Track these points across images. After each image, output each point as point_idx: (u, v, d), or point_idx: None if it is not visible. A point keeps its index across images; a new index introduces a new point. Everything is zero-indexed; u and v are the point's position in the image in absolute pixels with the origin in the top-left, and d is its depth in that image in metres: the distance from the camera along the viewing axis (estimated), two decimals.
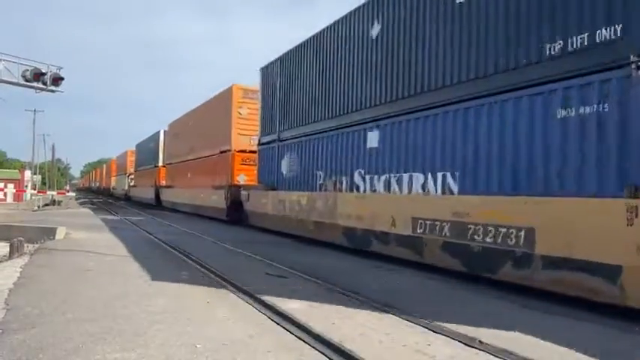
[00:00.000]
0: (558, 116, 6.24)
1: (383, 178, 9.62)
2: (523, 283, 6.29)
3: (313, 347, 4.11)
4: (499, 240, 6.56)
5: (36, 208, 27.66)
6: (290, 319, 4.89)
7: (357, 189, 10.41)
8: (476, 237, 6.93)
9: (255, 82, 18.26)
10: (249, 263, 9.07)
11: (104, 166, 71.43)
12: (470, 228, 7.04)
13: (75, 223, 15.80)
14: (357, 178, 10.47)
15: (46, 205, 31.10)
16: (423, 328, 4.73)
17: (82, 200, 43.99)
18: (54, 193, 37.06)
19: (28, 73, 16.06)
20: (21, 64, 16.23)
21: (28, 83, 16.21)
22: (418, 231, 8.11)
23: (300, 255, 10.22)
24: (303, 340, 4.28)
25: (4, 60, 15.87)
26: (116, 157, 57.31)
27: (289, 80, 14.24)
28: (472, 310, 5.71)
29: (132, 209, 28.39)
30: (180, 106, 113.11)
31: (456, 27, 8.06)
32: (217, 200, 18.90)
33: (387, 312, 5.34)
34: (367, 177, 10.12)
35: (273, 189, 14.46)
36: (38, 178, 53.81)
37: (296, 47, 13.89)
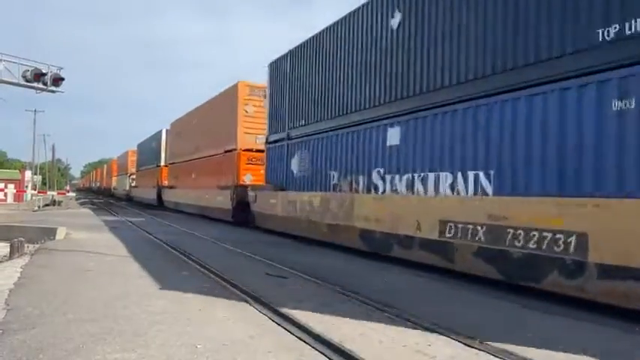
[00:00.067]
0: (614, 108, 5.60)
1: (405, 177, 8.95)
2: (573, 294, 5.71)
3: (313, 347, 4.11)
4: (544, 246, 5.93)
5: (36, 208, 27.62)
6: (290, 320, 4.89)
7: (376, 189, 9.76)
8: (516, 242, 6.30)
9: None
10: (250, 263, 9.06)
11: (105, 166, 71.38)
12: (509, 232, 6.41)
13: (75, 224, 15.78)
14: (375, 178, 9.84)
15: (47, 205, 31.06)
16: (424, 328, 4.72)
17: (83, 201, 43.93)
18: (54, 193, 36.98)
19: (28, 74, 16.07)
20: (21, 64, 16.26)
21: (28, 83, 16.21)
22: (447, 235, 7.47)
23: (301, 255, 10.21)
24: (304, 341, 4.28)
25: (4, 60, 15.87)
26: (117, 157, 57.00)
27: (301, 75, 13.51)
28: (472, 310, 5.71)
29: (134, 210, 27.96)
30: (180, 106, 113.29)
31: (490, 11, 7.35)
32: (222, 201, 18.37)
33: (388, 312, 5.34)
34: (387, 176, 9.46)
35: (282, 189, 13.83)
36: (38, 178, 53.77)
37: (309, 40, 13.11)
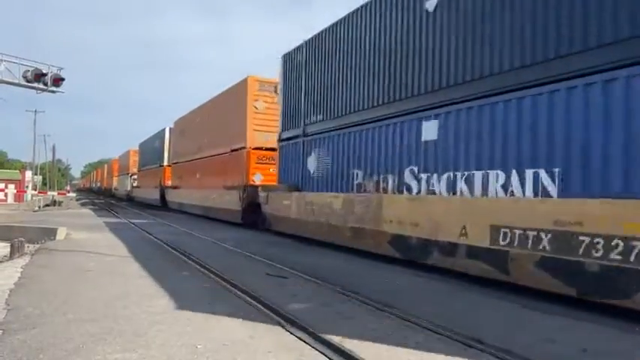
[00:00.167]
0: None
1: (445, 176, 8.01)
2: None
3: (313, 347, 4.11)
4: (632, 258, 5.03)
5: (36, 208, 27.62)
6: (290, 320, 4.89)
7: (408, 190, 8.83)
8: (593, 252, 5.40)
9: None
10: (250, 263, 9.07)
11: (105, 166, 71.15)
12: (582, 241, 5.50)
13: (76, 224, 15.78)
14: (407, 177, 8.89)
15: (47, 205, 31.06)
16: (424, 329, 4.72)
17: (83, 201, 43.81)
18: (54, 193, 37.01)
19: (28, 74, 16.08)
20: (22, 64, 16.29)
21: (28, 84, 16.22)
22: (501, 242, 6.52)
23: (301, 255, 10.21)
24: (304, 341, 4.29)
25: (4, 61, 15.88)
26: (118, 157, 56.32)
27: (319, 67, 12.42)
28: (472, 310, 5.72)
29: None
30: (180, 106, 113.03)
31: None
32: (231, 202, 17.42)
33: (388, 312, 5.34)
34: (422, 175, 8.52)
35: (297, 190, 12.87)
36: (39, 178, 53.75)
37: (328, 28, 12.05)
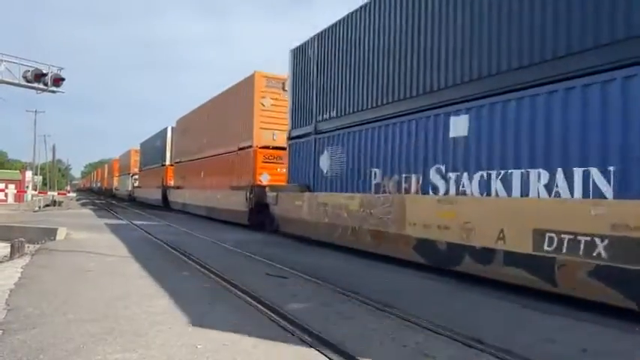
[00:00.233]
0: None
1: (477, 176, 7.39)
2: None
3: (313, 347, 4.11)
4: None
5: (37, 208, 27.61)
6: (290, 319, 4.89)
7: (435, 190, 8.20)
8: None
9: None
10: (250, 263, 9.07)
11: (106, 166, 71.04)
12: None
13: (76, 224, 15.77)
14: (433, 177, 8.26)
15: (47, 205, 31.08)
16: (424, 329, 4.73)
17: (84, 201, 43.82)
18: (55, 193, 37.03)
19: (29, 74, 16.06)
20: (22, 64, 16.26)
21: (29, 84, 16.20)
22: (546, 248, 5.88)
23: (301, 255, 10.21)
24: (304, 341, 4.29)
25: (5, 61, 15.87)
26: (119, 157, 55.97)
27: (332, 61, 11.78)
28: (472, 310, 5.73)
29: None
30: (180, 106, 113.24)
31: None
32: (237, 202, 16.75)
33: (388, 312, 5.34)
34: (451, 175, 7.89)
35: (309, 190, 12.28)
36: (39, 178, 53.74)
37: (343, 19, 11.38)
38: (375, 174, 9.86)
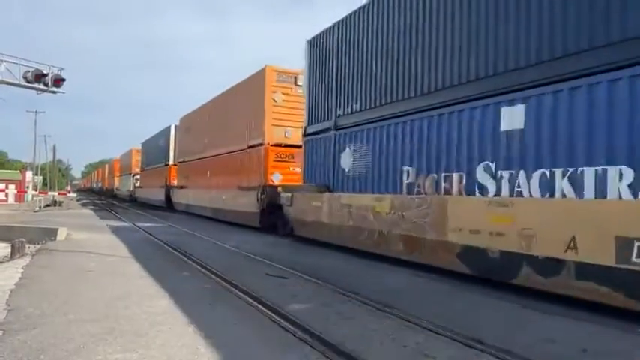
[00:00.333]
0: None
1: (537, 174, 6.48)
2: None
3: (314, 347, 4.12)
4: None
5: (37, 209, 27.60)
6: (291, 320, 4.90)
7: (482, 190, 7.30)
8: None
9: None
10: (249, 263, 9.08)
11: (106, 166, 70.98)
12: None
13: (76, 224, 15.79)
14: (481, 176, 7.35)
15: (47, 206, 31.09)
16: (424, 329, 4.73)
17: (84, 202, 43.86)
18: (55, 194, 37.01)
19: (29, 74, 16.07)
20: (22, 65, 16.28)
21: (29, 84, 16.21)
22: (634, 260, 5.02)
23: (301, 255, 10.19)
24: (304, 341, 4.29)
25: (5, 61, 15.90)
26: (120, 157, 55.61)
27: (355, 49, 10.88)
28: (473, 310, 5.74)
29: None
30: (180, 106, 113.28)
31: None
32: (247, 203, 15.93)
33: (388, 312, 5.34)
34: (503, 173, 6.99)
35: (329, 190, 11.42)
36: (39, 179, 53.78)
37: (369, 4, 10.44)
38: (408, 173, 8.92)
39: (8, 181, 36.66)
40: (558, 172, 6.25)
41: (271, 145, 15.51)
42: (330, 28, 12.06)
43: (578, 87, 6.10)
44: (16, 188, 35.73)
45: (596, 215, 5.57)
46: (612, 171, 5.65)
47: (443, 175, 8.12)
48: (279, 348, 4.13)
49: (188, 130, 26.10)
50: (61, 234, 12.30)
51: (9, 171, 48.00)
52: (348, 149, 10.90)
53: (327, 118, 11.93)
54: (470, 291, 6.73)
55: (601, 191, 5.75)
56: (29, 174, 41.68)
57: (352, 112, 10.92)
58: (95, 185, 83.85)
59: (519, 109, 6.84)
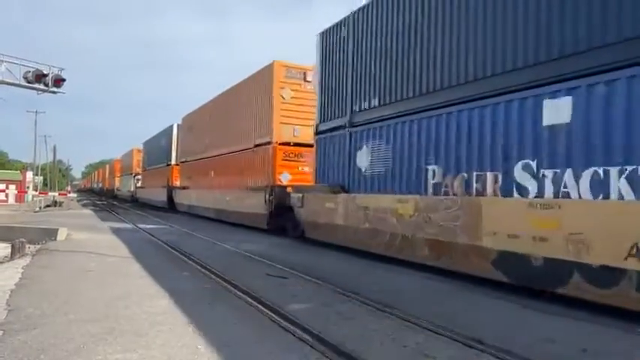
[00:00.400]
0: None
1: (587, 173, 5.86)
2: None
3: (314, 348, 4.11)
4: None
5: (37, 209, 27.62)
6: (291, 320, 4.89)
7: (522, 191, 6.65)
8: None
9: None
10: (250, 263, 9.07)
11: (107, 166, 70.90)
12: None
13: (76, 225, 15.79)
14: (519, 175, 6.72)
15: (48, 206, 31.11)
16: (424, 329, 4.73)
17: (85, 202, 43.88)
18: (55, 194, 37.01)
19: (29, 75, 16.05)
20: (22, 65, 16.24)
21: (29, 85, 16.19)
22: None
23: (301, 255, 10.20)
24: (304, 341, 4.29)
25: (5, 61, 15.89)
26: (121, 157, 55.24)
27: (374, 41, 10.19)
28: (473, 310, 5.73)
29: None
30: (181, 106, 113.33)
31: None
32: (254, 204, 15.37)
33: (388, 312, 5.34)
34: (546, 172, 6.34)
35: (344, 190, 10.85)
36: (40, 179, 53.81)
37: None
38: (434, 172, 8.29)
39: (8, 182, 36.71)
40: (614, 170, 5.61)
41: (279, 144, 14.99)
42: (345, 18, 11.39)
43: (633, 77, 5.50)
44: (17, 188, 35.76)
45: None
46: None
47: (475, 174, 7.47)
48: (279, 348, 4.13)
49: (191, 129, 25.56)
50: (62, 234, 12.30)
51: (9, 171, 48.07)
52: (365, 147, 10.31)
53: (342, 115, 11.34)
54: (470, 291, 6.73)
55: None
56: (29, 174, 41.72)
57: (370, 108, 10.25)
58: (95, 185, 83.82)
59: (565, 101, 6.19)
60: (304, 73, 14.89)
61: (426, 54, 8.67)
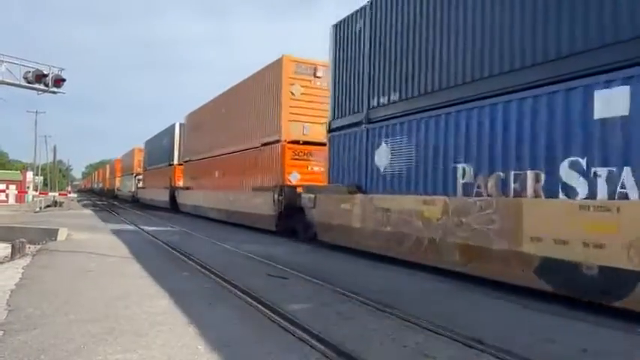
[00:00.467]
0: None
1: None
2: None
3: (314, 348, 4.12)
4: None
5: (37, 209, 27.63)
6: (291, 320, 4.90)
7: (569, 192, 5.99)
8: None
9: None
10: (250, 263, 9.07)
11: (107, 166, 70.86)
12: None
13: (77, 225, 15.81)
14: (566, 174, 6.04)
15: (48, 206, 31.13)
16: (424, 329, 4.73)
17: (85, 202, 43.91)
18: (55, 194, 37.03)
19: (29, 75, 16.03)
20: (22, 65, 16.21)
21: (29, 85, 16.17)
22: None
23: (301, 256, 10.21)
24: (304, 341, 4.29)
25: (5, 62, 15.89)
26: (121, 157, 55.00)
27: (393, 31, 9.53)
28: (473, 311, 5.73)
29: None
30: (181, 106, 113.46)
31: None
32: (261, 205, 14.79)
33: (388, 312, 5.34)
34: (599, 170, 5.68)
35: (361, 191, 10.18)
36: (40, 179, 53.85)
37: None
38: (463, 171, 7.63)
39: (9, 182, 36.74)
40: None
41: (288, 142, 14.38)
42: (361, 8, 10.72)
43: None
44: (17, 189, 35.82)
45: None
46: None
47: (512, 173, 6.78)
48: (279, 348, 4.14)
49: (194, 128, 24.93)
50: (62, 234, 12.30)
51: (9, 171, 48.12)
52: (383, 145, 9.64)
53: (357, 111, 10.68)
54: (470, 291, 6.74)
55: None
56: (30, 174, 41.79)
57: (389, 103, 9.57)
58: (96, 186, 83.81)
59: (621, 91, 5.51)
60: (315, 69, 14.45)
61: (454, 41, 7.93)
